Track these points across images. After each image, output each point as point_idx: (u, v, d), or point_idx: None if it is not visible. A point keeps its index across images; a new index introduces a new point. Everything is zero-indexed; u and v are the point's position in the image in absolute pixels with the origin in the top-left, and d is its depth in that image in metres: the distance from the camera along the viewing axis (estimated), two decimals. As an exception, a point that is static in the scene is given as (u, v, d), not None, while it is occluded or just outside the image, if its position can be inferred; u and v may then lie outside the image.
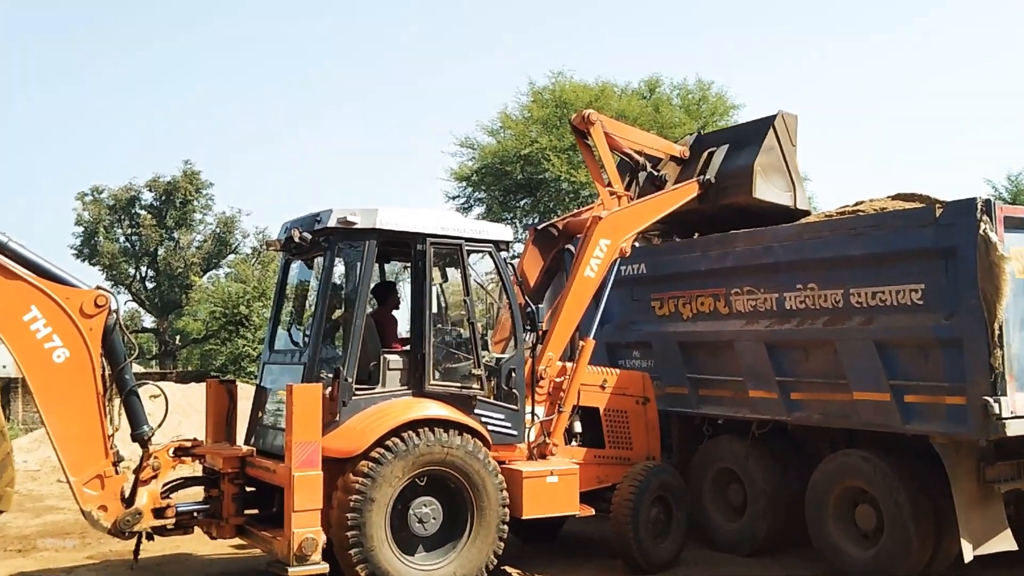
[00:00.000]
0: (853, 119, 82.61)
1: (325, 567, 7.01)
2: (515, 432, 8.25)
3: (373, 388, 7.70)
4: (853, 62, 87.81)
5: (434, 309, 8.05)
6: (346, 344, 7.61)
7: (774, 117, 10.06)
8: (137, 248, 44.09)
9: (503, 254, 8.41)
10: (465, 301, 8.12)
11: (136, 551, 7.68)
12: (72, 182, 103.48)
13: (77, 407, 6.99)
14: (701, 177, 10.08)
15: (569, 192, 27.95)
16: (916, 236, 7.73)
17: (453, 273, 8.40)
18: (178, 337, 48.00)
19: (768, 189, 9.86)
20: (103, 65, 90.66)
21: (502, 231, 8.50)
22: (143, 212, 43.40)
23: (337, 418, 7.40)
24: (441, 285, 8.33)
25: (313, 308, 8.02)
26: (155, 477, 7.46)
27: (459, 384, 8.00)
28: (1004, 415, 7.19)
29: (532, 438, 8.52)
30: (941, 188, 46.24)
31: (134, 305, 50.45)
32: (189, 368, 39.32)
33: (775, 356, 8.85)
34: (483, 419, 7.99)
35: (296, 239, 7.72)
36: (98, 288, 7.29)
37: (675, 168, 10.61)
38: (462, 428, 7.68)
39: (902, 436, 7.99)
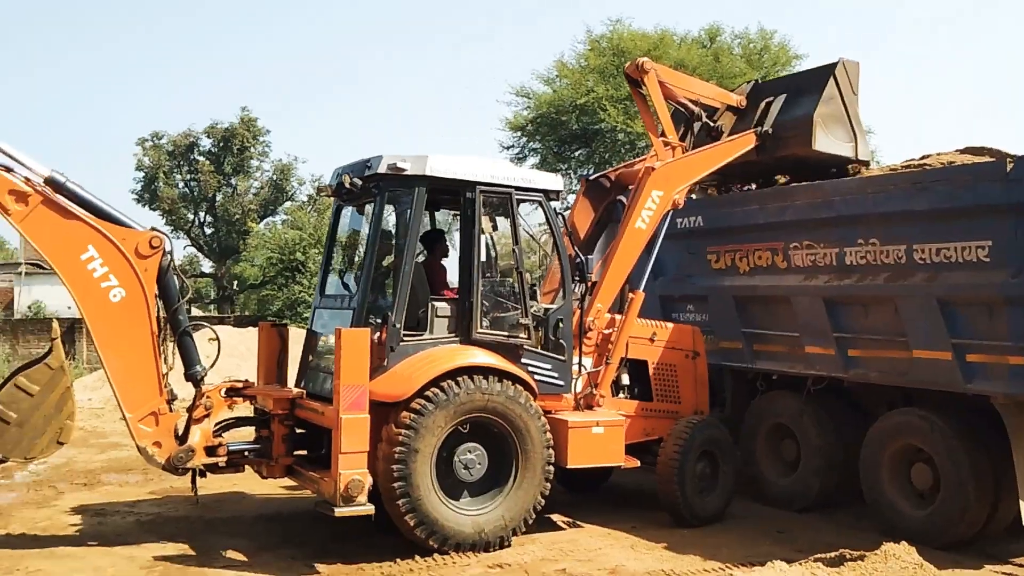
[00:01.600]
0: (922, 69, 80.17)
1: (371, 508, 7.18)
2: (562, 382, 8.27)
3: (421, 335, 7.77)
4: (923, 5, 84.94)
5: (482, 258, 8.06)
6: (395, 290, 7.67)
7: (835, 65, 9.72)
8: (196, 194, 44.74)
9: (554, 204, 8.37)
10: (514, 250, 8.14)
11: (193, 488, 7.90)
12: (133, 128, 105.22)
13: (132, 346, 7.17)
14: (759, 128, 9.80)
15: (625, 143, 27.60)
16: (985, 191, 7.49)
17: (503, 222, 8.37)
18: (235, 282, 48.79)
19: (828, 140, 9.55)
20: (163, 14, 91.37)
21: (553, 180, 8.44)
22: (201, 158, 43.94)
23: (385, 363, 7.49)
24: (491, 234, 8.31)
25: (363, 254, 8.08)
26: (207, 416, 7.66)
27: (506, 333, 8.03)
28: (1070, 376, 7.01)
29: (579, 389, 8.54)
30: (1013, 143, 44.92)
31: (193, 250, 51.36)
32: (246, 313, 39.98)
33: (833, 312, 8.71)
34: (529, 368, 8.02)
35: (347, 185, 7.77)
36: (153, 229, 7.43)
37: (732, 118, 10.35)
38: (507, 376, 7.72)
39: (961, 396, 7.84)
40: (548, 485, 7.84)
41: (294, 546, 7.78)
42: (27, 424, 7.06)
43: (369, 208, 8.15)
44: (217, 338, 8.22)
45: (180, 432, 7.54)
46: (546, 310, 8.40)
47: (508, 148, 30.74)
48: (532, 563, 7.40)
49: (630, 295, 9.03)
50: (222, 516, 8.76)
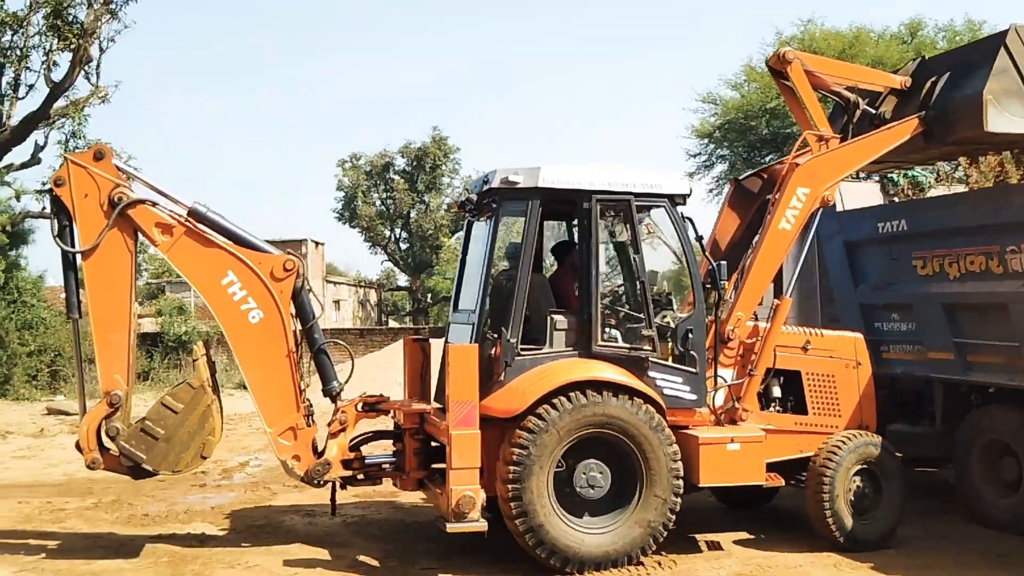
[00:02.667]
0: None
1: (483, 525, 7.10)
2: (694, 396, 7.82)
3: (540, 349, 7.63)
4: None
5: (602, 268, 7.90)
6: (510, 304, 7.57)
7: (1006, 33, 8.59)
8: (391, 211, 46.75)
9: (680, 208, 7.95)
10: (634, 259, 7.84)
11: (332, 499, 8.17)
12: (334, 150, 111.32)
13: (271, 364, 7.48)
14: (923, 112, 8.83)
15: (819, 146, 26.58)
16: None
17: (628, 230, 8.04)
18: (429, 295, 50.53)
19: (1004, 119, 8.43)
20: (358, 42, 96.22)
21: (677, 184, 8.02)
22: (396, 177, 45.87)
23: (502, 378, 7.40)
24: (615, 243, 8.10)
25: (481, 269, 7.96)
26: (343, 430, 7.83)
27: (629, 346, 7.75)
28: None
29: (719, 403, 8.15)
30: None
31: (390, 265, 53.65)
32: (439, 325, 41.25)
33: (1058, 320, 8.02)
34: (658, 382, 7.67)
35: (468, 201, 7.82)
36: (288, 252, 7.75)
37: (895, 102, 9.36)
38: (625, 390, 7.41)
39: None
40: (677, 502, 7.45)
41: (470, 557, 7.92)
42: (174, 439, 7.38)
43: (490, 223, 8.07)
44: (351, 354, 8.42)
45: (319, 446, 7.79)
46: (676, 321, 8.00)
47: (695, 156, 30.36)
48: (728, 579, 7.23)
49: (775, 301, 8.48)
50: (419, 520, 9.08)
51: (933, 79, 9.03)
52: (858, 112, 9.25)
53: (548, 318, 7.73)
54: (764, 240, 8.43)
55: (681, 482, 7.48)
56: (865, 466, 8.12)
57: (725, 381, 8.21)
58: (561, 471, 7.34)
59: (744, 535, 8.51)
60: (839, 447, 8.06)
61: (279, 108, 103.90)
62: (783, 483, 8.24)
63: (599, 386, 7.37)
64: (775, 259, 8.50)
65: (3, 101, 22.15)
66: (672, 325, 7.95)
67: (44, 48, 22.05)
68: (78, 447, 7.51)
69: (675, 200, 7.94)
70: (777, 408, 8.55)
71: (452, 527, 7.09)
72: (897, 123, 8.90)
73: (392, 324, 55.52)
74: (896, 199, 11.41)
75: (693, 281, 7.99)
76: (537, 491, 7.15)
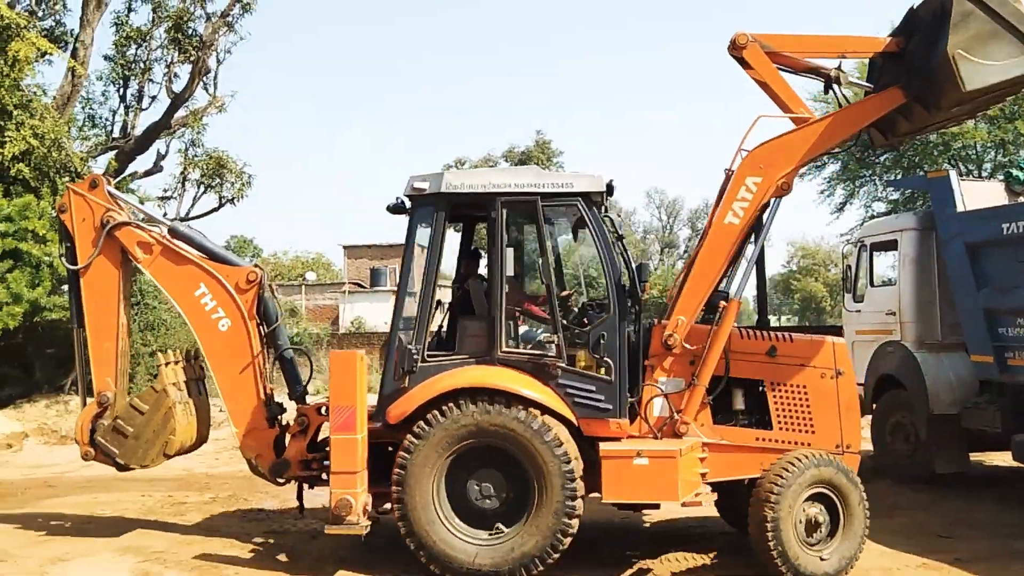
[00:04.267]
0: None
1: (360, 528, 7.07)
2: (608, 406, 7.31)
3: (449, 355, 7.55)
4: None
5: (508, 272, 7.71)
6: (418, 311, 7.55)
7: None
8: (496, 215, 46.95)
9: (599, 208, 7.54)
10: (539, 263, 7.59)
11: (299, 499, 8.22)
12: (440, 156, 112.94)
13: (237, 368, 7.90)
14: (904, 80, 7.56)
15: (938, 145, 25.57)
16: None
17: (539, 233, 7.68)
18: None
19: (984, 71, 7.12)
20: (466, 48, 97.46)
21: (591, 181, 7.53)
22: (501, 181, 46.10)
23: (405, 384, 7.38)
24: (524, 245, 7.90)
25: (399, 275, 7.91)
26: (302, 432, 8.00)
27: (534, 352, 7.51)
28: None
29: (660, 414, 7.50)
30: None
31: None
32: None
33: None
34: (568, 391, 7.32)
35: (390, 208, 7.85)
36: (254, 266, 8.21)
37: (894, 68, 7.95)
38: (519, 399, 7.10)
39: None
40: (569, 523, 6.99)
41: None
42: (140, 437, 7.99)
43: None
44: (308, 357, 8.80)
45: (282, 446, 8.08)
46: (591, 325, 7.54)
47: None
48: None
49: (723, 304, 7.59)
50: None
51: (913, 38, 7.77)
52: (840, 88, 8.06)
53: (459, 324, 7.76)
54: (707, 236, 7.69)
55: (575, 500, 7.01)
56: (822, 490, 7.18)
57: (662, 391, 7.55)
58: (453, 479, 7.20)
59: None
60: (787, 469, 7.11)
61: (387, 116, 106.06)
62: (701, 504, 7.48)
63: (488, 393, 7.14)
64: (719, 257, 7.58)
65: (128, 112, 23.23)
66: (585, 330, 7.57)
67: (166, 61, 23.06)
68: (76, 441, 8.21)
69: (591, 199, 7.52)
70: (741, 422, 7.72)
71: (329, 529, 7.11)
72: (871, 96, 7.81)
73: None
74: (1022, 199, 10.88)
75: (608, 283, 7.49)
76: (421, 496, 7.10)
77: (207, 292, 8.04)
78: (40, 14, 21.62)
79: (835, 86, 8.00)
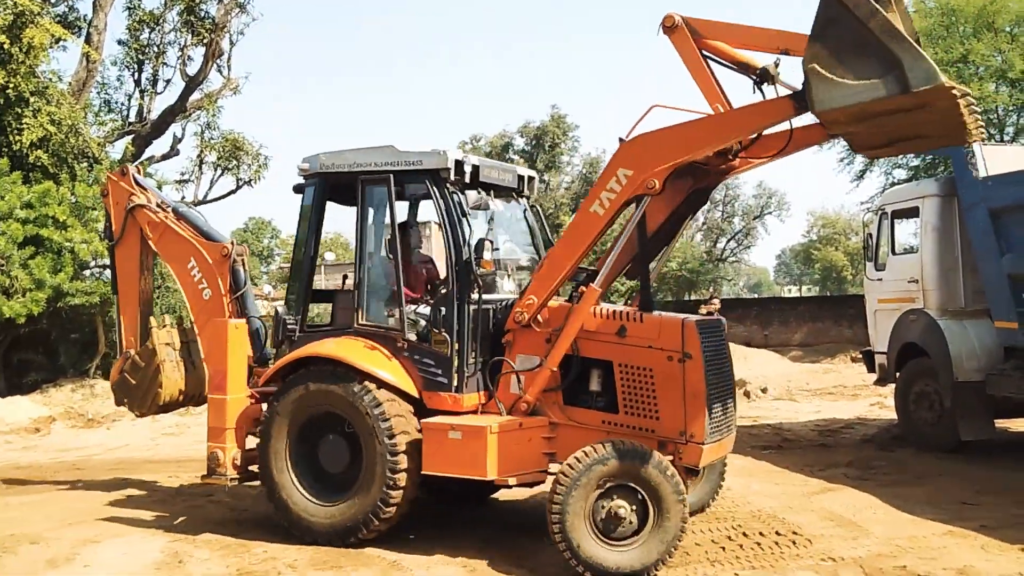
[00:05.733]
0: None
1: (227, 480, 7.99)
2: (444, 379, 7.45)
3: (325, 327, 8.19)
4: None
5: (370, 248, 7.98)
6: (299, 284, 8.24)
7: None
8: (512, 191, 46.87)
9: (447, 186, 7.56)
10: (388, 239, 7.88)
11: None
12: (457, 131, 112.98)
13: (216, 332, 8.43)
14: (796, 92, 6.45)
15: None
16: None
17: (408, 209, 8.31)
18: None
19: (836, 91, 5.85)
20: (482, 28, 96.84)
21: (438, 159, 7.58)
22: (516, 157, 45.98)
23: (276, 352, 8.19)
24: (381, 222, 8.10)
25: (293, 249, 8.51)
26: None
27: (384, 325, 7.79)
28: None
29: (514, 391, 7.45)
30: None
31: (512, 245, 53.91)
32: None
33: None
34: (414, 364, 7.55)
35: (294, 188, 8.33)
36: (232, 241, 9.01)
37: None
38: (356, 370, 7.39)
39: None
40: (392, 493, 7.20)
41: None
42: (139, 388, 9.14)
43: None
44: (263, 325, 9.01)
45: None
46: (436, 302, 7.70)
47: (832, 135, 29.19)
48: (868, 558, 7.00)
49: (582, 289, 7.36)
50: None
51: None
52: (773, 87, 7.12)
53: (335, 297, 8.32)
54: (572, 221, 7.47)
55: (396, 472, 7.20)
56: (623, 483, 6.65)
57: (513, 367, 7.48)
58: (303, 443, 7.71)
59: (884, 511, 8.22)
60: (580, 459, 6.67)
61: (403, 94, 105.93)
62: (512, 485, 7.33)
63: (329, 363, 7.55)
64: (579, 244, 7.25)
65: (143, 96, 23.29)
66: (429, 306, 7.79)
67: (179, 44, 23.08)
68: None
69: (438, 176, 7.58)
70: (597, 404, 7.38)
71: (204, 479, 8.17)
72: (761, 103, 6.90)
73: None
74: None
75: (448, 260, 7.55)
76: (275, 457, 7.66)
77: (195, 265, 8.89)
78: (53, 0, 21.66)
79: (766, 85, 7.14)
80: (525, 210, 8.78)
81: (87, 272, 19.26)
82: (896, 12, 6.32)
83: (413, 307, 7.81)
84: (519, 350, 7.50)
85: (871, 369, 12.89)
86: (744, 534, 7.60)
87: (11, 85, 17.77)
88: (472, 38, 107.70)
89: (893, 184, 26.31)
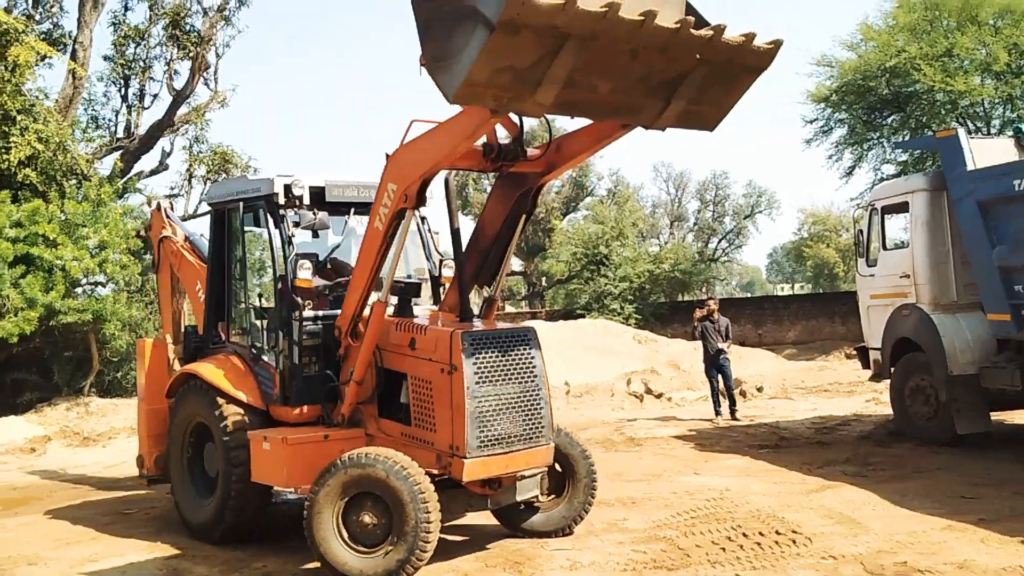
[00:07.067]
0: None
1: (142, 480, 9.85)
2: (269, 392, 8.07)
3: (221, 344, 8.81)
4: None
5: (236, 271, 8.75)
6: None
7: None
8: (502, 196, 46.83)
9: (279, 210, 7.97)
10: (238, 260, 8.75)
11: None
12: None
13: (138, 349, 10.35)
14: None
15: (945, 103, 25.36)
16: None
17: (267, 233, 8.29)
18: (543, 279, 50.67)
19: (454, 68, 5.43)
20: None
21: (268, 184, 8.03)
22: (506, 162, 46.01)
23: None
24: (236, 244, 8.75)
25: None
26: None
27: (242, 343, 8.56)
28: None
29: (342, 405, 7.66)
30: None
31: (503, 250, 53.90)
32: (555, 307, 41.34)
33: None
34: (259, 378, 8.22)
35: None
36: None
37: None
38: (209, 384, 8.25)
39: None
40: (231, 495, 7.90)
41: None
42: None
43: None
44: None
45: None
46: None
47: (812, 122, 29.32)
48: (868, 555, 7.00)
49: (373, 298, 7.47)
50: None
51: None
52: None
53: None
54: (364, 237, 7.51)
55: (236, 477, 7.83)
56: (369, 491, 6.71)
57: (333, 381, 7.73)
58: (193, 450, 8.65)
59: (883, 507, 8.24)
60: (322, 474, 6.82)
61: (396, 101, 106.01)
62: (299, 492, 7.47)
63: (193, 378, 8.55)
64: (367, 259, 7.32)
65: (131, 111, 23.26)
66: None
67: (165, 58, 23.10)
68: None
69: (272, 200, 8.01)
70: (401, 416, 7.43)
71: (138, 479, 9.97)
72: (466, 109, 6.37)
73: (508, 308, 55.94)
74: (1033, 153, 10.80)
75: (273, 280, 8.09)
76: (174, 460, 8.75)
77: (201, 288, 9.52)
78: (38, 17, 21.66)
79: None
80: (419, 223, 8.86)
81: (79, 290, 19.19)
82: None
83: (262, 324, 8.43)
84: (351, 363, 7.59)
85: (866, 365, 12.92)
86: (744, 534, 7.59)
87: (-3, 104, 17.74)
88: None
89: (882, 180, 26.42)
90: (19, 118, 18.14)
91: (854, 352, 14.74)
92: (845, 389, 18.27)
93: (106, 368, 20.48)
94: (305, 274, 7.79)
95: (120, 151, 22.64)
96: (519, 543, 7.69)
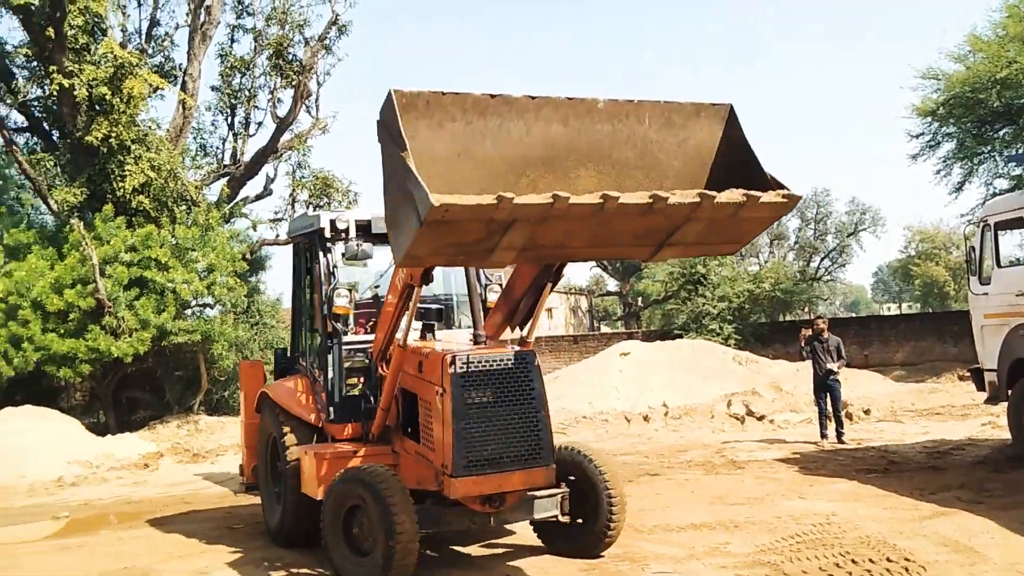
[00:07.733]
0: None
1: (241, 485, 10.59)
2: (326, 413, 8.60)
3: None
4: None
5: (303, 299, 9.69)
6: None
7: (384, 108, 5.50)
8: (598, 217, 46.77)
9: (328, 243, 8.65)
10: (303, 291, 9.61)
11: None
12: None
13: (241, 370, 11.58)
14: None
15: (1058, 113, 24.29)
16: None
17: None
18: (639, 299, 50.30)
19: (397, 241, 5.61)
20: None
21: (316, 220, 8.81)
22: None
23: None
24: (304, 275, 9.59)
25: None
26: None
27: (303, 363, 9.46)
28: None
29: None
30: None
31: (598, 271, 53.90)
32: (652, 328, 40.95)
33: None
34: (318, 397, 8.85)
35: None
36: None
37: None
38: (273, 402, 9.08)
39: None
40: (291, 508, 8.48)
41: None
42: None
43: None
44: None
45: None
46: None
47: (918, 136, 28.44)
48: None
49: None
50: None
51: None
52: None
53: None
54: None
55: (291, 487, 8.42)
56: (360, 504, 7.10)
57: (370, 402, 8.34)
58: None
59: (1002, 535, 7.85)
60: (331, 485, 7.54)
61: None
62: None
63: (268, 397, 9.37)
64: (385, 322, 7.95)
65: (237, 139, 24.09)
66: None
67: (269, 87, 23.86)
68: None
69: (321, 235, 8.69)
70: (413, 435, 7.73)
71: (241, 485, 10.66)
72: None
73: (604, 329, 55.69)
74: None
75: (318, 308, 8.86)
76: (259, 469, 9.55)
77: None
78: (150, 51, 22.65)
79: None
80: None
81: (188, 311, 19.90)
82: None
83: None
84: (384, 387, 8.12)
85: (980, 387, 12.37)
86: (853, 561, 7.33)
87: (113, 135, 18.62)
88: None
89: (995, 195, 25.40)
90: (133, 148, 18.99)
91: (967, 373, 14.16)
92: (959, 412, 17.51)
93: (214, 387, 21.17)
94: (342, 301, 8.47)
95: (227, 177, 23.45)
96: (620, 565, 7.60)
